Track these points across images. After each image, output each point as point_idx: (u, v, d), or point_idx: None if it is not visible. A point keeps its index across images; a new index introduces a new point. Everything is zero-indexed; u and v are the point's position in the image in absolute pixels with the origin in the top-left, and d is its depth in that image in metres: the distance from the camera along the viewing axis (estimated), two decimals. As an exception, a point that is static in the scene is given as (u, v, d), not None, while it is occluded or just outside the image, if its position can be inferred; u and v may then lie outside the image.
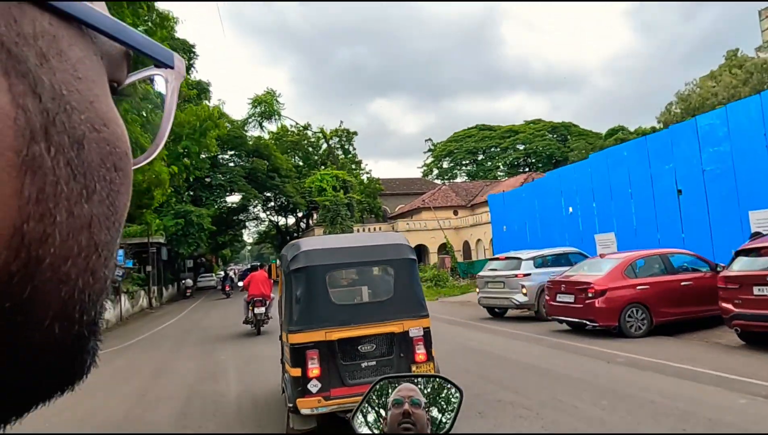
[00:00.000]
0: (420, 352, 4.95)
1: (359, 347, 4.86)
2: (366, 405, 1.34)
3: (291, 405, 4.74)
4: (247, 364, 9.45)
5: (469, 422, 5.22)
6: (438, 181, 60.79)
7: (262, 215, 53.38)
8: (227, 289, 31.14)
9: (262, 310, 12.94)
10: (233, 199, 46.02)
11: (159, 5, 16.93)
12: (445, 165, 70.36)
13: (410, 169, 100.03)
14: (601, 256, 10.18)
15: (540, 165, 60.70)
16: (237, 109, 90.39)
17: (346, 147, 49.89)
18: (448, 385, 1.36)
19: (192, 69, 33.50)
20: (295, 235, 51.95)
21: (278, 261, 7.26)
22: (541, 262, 12.44)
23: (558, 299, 9.85)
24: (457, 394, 1.34)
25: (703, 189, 15.29)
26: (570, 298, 9.47)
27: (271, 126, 47.83)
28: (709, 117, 15.57)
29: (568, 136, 63.49)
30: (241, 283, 22.33)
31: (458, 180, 62.22)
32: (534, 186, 25.21)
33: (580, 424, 4.98)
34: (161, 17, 16.40)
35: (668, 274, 9.48)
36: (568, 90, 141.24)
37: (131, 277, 24.15)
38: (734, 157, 13.99)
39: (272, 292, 13.02)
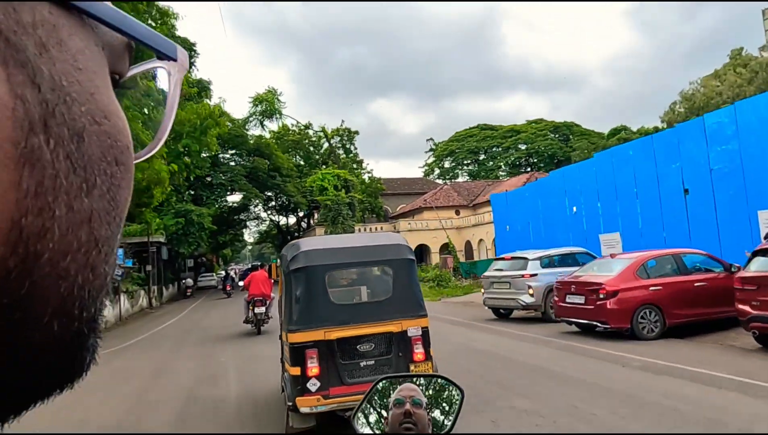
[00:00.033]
0: (418, 351, 4.99)
1: (358, 346, 4.91)
2: (367, 405, 1.34)
3: (290, 403, 4.78)
4: (247, 364, 9.28)
5: (483, 431, 5.02)
6: (439, 181, 60.57)
7: (263, 215, 53.28)
8: (228, 288, 31.10)
9: (263, 309, 12.95)
10: (234, 198, 45.88)
11: (159, 3, 16.75)
12: (447, 165, 70.20)
13: (411, 169, 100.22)
14: (612, 256, 9.92)
15: (542, 165, 60.49)
16: (238, 108, 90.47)
17: (348, 146, 49.70)
18: (450, 386, 1.35)
19: (193, 67, 33.30)
20: (296, 234, 51.74)
21: (278, 261, 7.16)
22: (548, 262, 12.19)
23: (567, 300, 9.60)
24: (459, 394, 1.33)
25: (711, 188, 15.08)
26: (580, 299, 9.22)
27: (272, 125, 47.68)
28: (717, 115, 15.35)
29: (570, 136, 63.28)
30: (241, 283, 22.17)
31: (460, 180, 62.01)
32: (537, 185, 25.02)
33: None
34: (161, 12, 16.18)
35: (681, 274, 9.24)
36: (569, 90, 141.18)
37: (131, 277, 23.97)
38: (743, 156, 13.76)
39: (272, 292, 13.07)
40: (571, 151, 56.94)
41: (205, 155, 31.59)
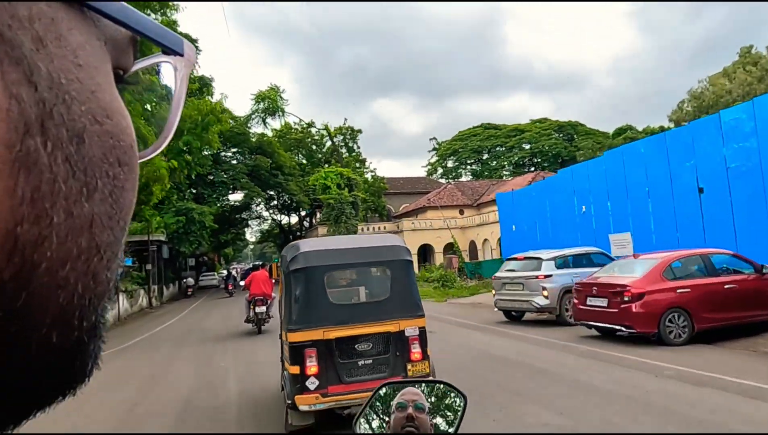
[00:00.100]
0: (416, 350, 5.07)
1: (356, 346, 5.00)
2: (369, 410, 1.32)
3: (290, 401, 4.88)
4: (248, 366, 8.95)
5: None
6: (442, 181, 60.13)
7: (265, 214, 52.92)
8: (230, 287, 30.91)
9: (263, 309, 13.00)
10: (236, 197, 45.51)
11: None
12: (450, 164, 69.84)
13: (413, 168, 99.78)
14: (635, 256, 9.40)
15: (546, 164, 60.10)
16: (240, 108, 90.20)
17: (351, 145, 49.27)
18: (452, 391, 1.35)
19: (195, 64, 32.89)
20: (298, 233, 51.41)
21: (279, 261, 7.24)
22: (562, 263, 11.67)
23: (588, 303, 9.08)
24: (461, 400, 1.32)
25: (727, 187, 14.69)
26: (603, 302, 8.71)
27: (275, 123, 47.31)
28: (734, 111, 14.92)
29: (575, 136, 62.85)
30: (242, 283, 21.90)
31: (463, 179, 61.57)
32: (545, 184, 24.66)
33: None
34: (161, 3, 15.74)
35: (709, 276, 8.73)
36: (571, 90, 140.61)
37: (130, 276, 23.61)
38: (762, 154, 13.33)
39: (273, 292, 13.08)
40: (576, 150, 56.53)
41: (206, 153, 31.25)
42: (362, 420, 1.32)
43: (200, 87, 30.58)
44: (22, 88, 0.22)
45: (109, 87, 0.27)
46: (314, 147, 50.03)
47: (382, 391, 1.36)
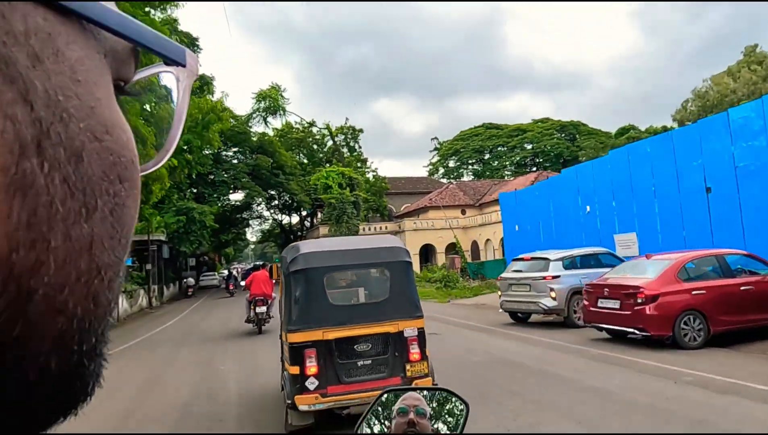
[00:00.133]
0: (414, 351, 5.10)
1: (355, 346, 5.04)
2: (371, 416, 1.32)
3: (289, 401, 4.91)
4: (248, 371, 8.73)
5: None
6: (444, 181, 59.87)
7: (266, 213, 52.65)
8: (231, 287, 30.78)
9: (264, 309, 13.04)
10: (236, 196, 45.28)
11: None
12: (452, 164, 69.57)
13: (414, 168, 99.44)
14: (647, 256, 9.13)
15: (547, 164, 59.84)
16: (241, 107, 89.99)
17: (352, 145, 48.99)
18: (454, 399, 1.35)
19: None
20: (299, 233, 51.19)
21: (280, 261, 7.27)
22: (570, 263, 11.41)
23: (599, 305, 8.82)
24: (463, 408, 1.32)
25: (736, 186, 14.51)
26: (615, 304, 8.45)
27: (276, 122, 46.99)
28: (743, 110, 14.70)
29: (577, 136, 62.58)
30: (243, 283, 21.78)
31: (464, 179, 61.32)
32: (549, 184, 24.47)
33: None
34: (161, 1, 15.50)
35: (725, 277, 8.46)
36: (573, 90, 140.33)
37: (130, 276, 23.41)
38: (772, 152, 13.12)
39: (274, 292, 13.08)
40: (578, 150, 56.28)
41: (207, 152, 31.04)
42: (364, 425, 1.33)
43: (201, 85, 30.36)
44: (17, 108, 0.21)
45: (109, 101, 0.27)
46: (315, 146, 49.77)
47: (384, 397, 1.36)
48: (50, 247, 0.22)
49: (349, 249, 5.57)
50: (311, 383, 4.84)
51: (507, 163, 65.44)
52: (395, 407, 1.29)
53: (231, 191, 42.50)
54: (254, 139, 42.29)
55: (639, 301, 7.96)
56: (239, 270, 46.42)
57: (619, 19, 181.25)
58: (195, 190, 37.18)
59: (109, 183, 0.25)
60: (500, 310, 12.99)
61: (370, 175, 45.74)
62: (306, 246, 5.50)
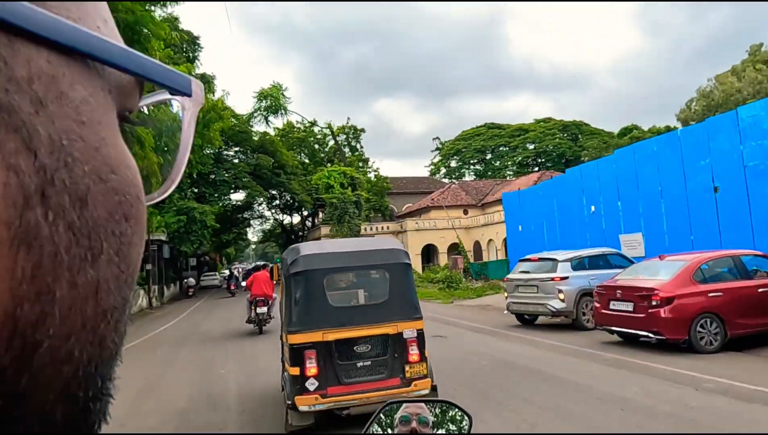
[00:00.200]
0: (413, 352, 5.14)
1: (355, 348, 5.07)
2: (375, 426, 1.33)
3: (290, 402, 4.96)
4: (249, 373, 8.53)
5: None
6: (445, 181, 59.61)
7: (267, 213, 52.44)
8: (232, 287, 30.60)
9: (264, 309, 13.09)
10: (238, 196, 45.05)
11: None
12: (453, 164, 69.32)
13: (416, 168, 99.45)
14: (661, 257, 8.87)
15: (549, 164, 59.58)
16: (242, 107, 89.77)
17: (354, 144, 48.76)
18: (457, 411, 1.35)
19: (196, 61, 32.49)
20: (301, 233, 50.98)
21: (280, 262, 7.29)
22: (578, 264, 11.14)
23: (611, 307, 8.55)
24: (466, 420, 1.32)
25: (745, 186, 14.30)
26: (628, 307, 8.18)
27: (277, 121, 46.75)
28: (752, 108, 14.48)
29: (579, 136, 62.30)
30: (244, 283, 21.71)
31: (466, 179, 61.07)
32: (553, 184, 24.30)
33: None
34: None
35: (742, 278, 8.20)
36: (574, 91, 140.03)
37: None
38: (782, 152, 12.92)
39: (274, 292, 13.12)
40: (581, 150, 56.02)
41: (208, 151, 30.81)
42: None
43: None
44: (20, 158, 0.21)
45: (114, 139, 0.26)
46: (317, 146, 49.52)
47: (388, 408, 1.37)
48: (55, 298, 0.22)
49: (349, 251, 5.62)
50: (311, 384, 4.88)
51: (509, 163, 65.17)
52: (397, 415, 1.30)
53: (232, 191, 42.26)
54: (255, 138, 42.02)
55: (653, 303, 7.70)
56: (240, 270, 46.22)
57: (620, 19, 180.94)
58: (196, 190, 36.95)
59: (115, 223, 0.25)
60: (505, 312, 12.74)
61: (371, 175, 45.48)
62: (306, 248, 5.55)
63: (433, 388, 5.32)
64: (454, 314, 15.17)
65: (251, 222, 53.49)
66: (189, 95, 0.31)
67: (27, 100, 0.21)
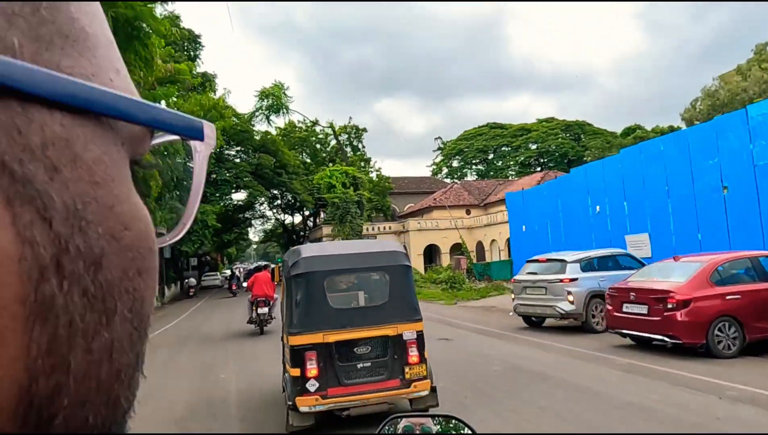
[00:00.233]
0: (413, 354, 5.17)
1: (355, 349, 5.11)
2: None
3: (290, 403, 5.01)
4: (251, 378, 8.34)
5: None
6: (447, 181, 59.39)
7: (269, 213, 52.26)
8: (233, 287, 30.45)
9: (265, 310, 13.13)
10: (239, 196, 44.86)
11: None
12: (455, 164, 69.12)
13: (417, 168, 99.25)
14: (675, 258, 8.61)
15: (552, 164, 59.36)
16: (243, 107, 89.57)
17: (355, 144, 48.53)
18: (461, 426, 1.32)
19: (197, 59, 32.30)
20: (302, 233, 50.78)
21: (282, 262, 7.37)
22: (588, 265, 10.88)
23: (625, 310, 8.28)
24: (469, 431, 1.29)
25: (755, 186, 14.09)
26: (642, 309, 7.91)
27: (279, 120, 46.55)
28: (762, 106, 14.26)
29: (582, 136, 62.04)
30: (246, 284, 21.60)
31: (468, 179, 60.85)
32: (557, 183, 24.10)
33: None
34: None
35: (760, 280, 7.93)
36: (575, 91, 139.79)
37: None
38: (793, 151, 12.70)
39: (275, 293, 13.12)
40: (584, 150, 55.77)
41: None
42: None
43: (202, 82, 29.95)
44: (35, 229, 0.20)
45: (127, 193, 0.25)
46: (318, 146, 49.31)
47: (392, 422, 1.35)
48: (70, 368, 0.21)
49: (350, 253, 5.66)
50: (312, 385, 4.92)
51: (511, 163, 64.95)
52: (401, 425, 1.31)
53: (233, 190, 42.06)
54: (257, 137, 41.81)
55: (669, 306, 7.42)
56: (242, 270, 46.04)
57: (621, 19, 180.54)
58: (197, 190, 36.69)
59: (129, 280, 0.25)
60: (511, 314, 12.50)
61: (373, 175, 45.25)
62: (307, 250, 5.59)
63: (433, 390, 5.32)
64: (458, 316, 14.93)
65: (252, 222, 53.39)
66: (201, 139, 0.30)
67: (41, 169, 0.21)
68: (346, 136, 47.69)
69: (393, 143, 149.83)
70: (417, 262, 34.07)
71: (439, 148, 71.19)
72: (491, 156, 67.53)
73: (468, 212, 39.23)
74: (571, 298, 10.24)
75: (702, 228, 15.48)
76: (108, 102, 0.24)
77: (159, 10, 18.84)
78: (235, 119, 36.23)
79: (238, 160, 41.19)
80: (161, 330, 16.59)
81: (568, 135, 63.12)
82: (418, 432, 1.28)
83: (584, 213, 20.68)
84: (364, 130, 48.60)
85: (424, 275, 29.95)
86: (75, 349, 0.21)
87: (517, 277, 11.85)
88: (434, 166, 70.40)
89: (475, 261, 31.42)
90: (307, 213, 50.80)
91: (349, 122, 47.94)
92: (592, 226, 20.12)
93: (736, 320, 7.44)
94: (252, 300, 13.34)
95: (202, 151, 0.31)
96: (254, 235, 64.69)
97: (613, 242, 17.88)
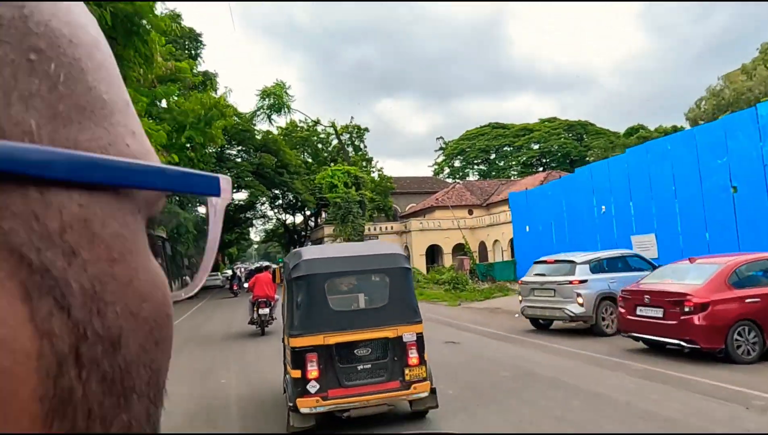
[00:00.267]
0: (413, 356, 5.22)
1: (355, 351, 5.15)
2: None
3: (291, 404, 5.05)
4: (251, 379, 8.20)
5: None
6: (449, 180, 59.17)
7: (270, 213, 52.10)
8: (234, 288, 30.28)
9: (267, 311, 13.17)
10: (240, 195, 44.65)
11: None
12: (457, 164, 68.95)
13: (418, 168, 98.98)
14: (690, 260, 8.34)
15: (554, 164, 59.14)
16: (245, 106, 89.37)
17: (357, 144, 48.31)
18: None
19: (198, 58, 32.10)
20: (303, 233, 50.60)
21: (283, 262, 7.32)
22: (597, 267, 10.61)
23: (638, 313, 8.02)
24: None
25: (765, 186, 13.88)
26: (657, 313, 7.65)
27: (280, 120, 46.35)
28: (773, 104, 14.02)
29: (584, 135, 61.84)
30: (246, 284, 21.44)
31: (470, 179, 60.65)
32: (561, 183, 23.90)
33: None
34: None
35: (779, 282, 7.64)
36: (577, 91, 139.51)
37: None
38: (804, 150, 12.49)
39: (276, 294, 13.14)
40: (586, 150, 55.55)
41: (210, 150, 30.40)
42: None
43: (203, 81, 29.75)
44: (54, 321, 0.20)
45: (145, 264, 0.25)
46: (320, 145, 49.12)
47: None
48: None
49: (350, 256, 5.74)
50: (312, 387, 4.96)
51: (513, 163, 64.76)
52: None
53: (234, 190, 41.66)
54: (258, 137, 41.63)
55: (686, 309, 7.16)
56: (243, 270, 45.84)
57: (623, 19, 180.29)
58: (198, 189, 36.51)
59: (146, 354, 0.24)
60: (516, 315, 12.25)
61: (375, 175, 45.04)
62: (308, 253, 5.64)
63: (432, 391, 5.34)
64: (463, 317, 14.67)
65: (254, 222, 53.25)
66: (218, 195, 0.29)
67: (60, 255, 0.20)
68: (348, 135, 47.49)
69: (394, 143, 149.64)
70: (419, 263, 33.84)
71: (441, 148, 71.02)
72: (493, 156, 67.34)
73: (470, 212, 38.99)
74: (580, 300, 9.97)
75: (710, 228, 15.29)
76: (126, 173, 0.23)
77: (160, 9, 18.62)
78: (236, 118, 36.03)
79: (239, 160, 41.01)
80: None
81: (570, 135, 62.91)
82: None
83: (589, 213, 20.51)
84: (366, 129, 48.45)
85: (426, 276, 29.70)
86: None
87: (524, 279, 11.60)
88: (436, 166, 70.26)
89: (477, 261, 31.18)
90: (308, 213, 50.63)
91: (351, 122, 47.75)
92: (598, 227, 19.95)
93: (756, 324, 7.17)
94: (253, 301, 13.34)
95: (218, 205, 0.29)
96: (255, 235, 64.65)
97: (619, 242, 17.69)
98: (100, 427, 0.21)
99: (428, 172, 67.50)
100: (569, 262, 10.60)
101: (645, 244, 17.59)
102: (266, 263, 24.97)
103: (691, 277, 7.69)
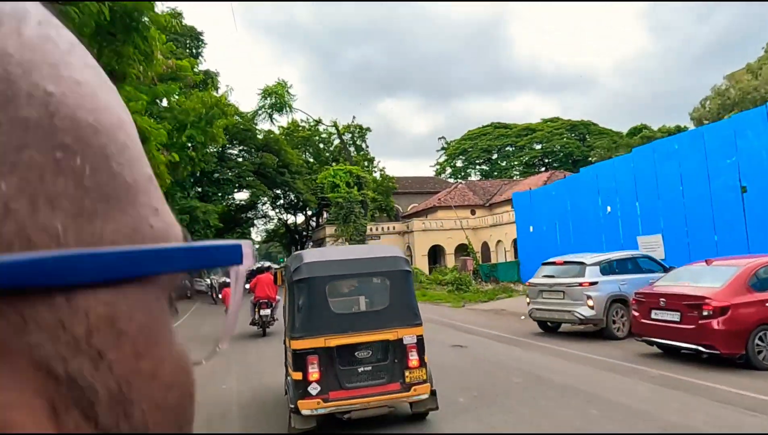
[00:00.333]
0: (413, 358, 5.26)
1: (356, 353, 5.19)
2: None
3: (292, 406, 5.10)
4: (252, 379, 8.01)
5: None
6: (451, 180, 58.94)
7: (271, 213, 51.91)
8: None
9: (268, 311, 13.21)
10: (241, 195, 44.53)
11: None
12: (459, 164, 68.74)
13: (420, 168, 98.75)
14: (707, 262, 8.07)
15: (557, 164, 58.91)
16: (246, 106, 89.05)
17: (359, 143, 48.07)
18: None
19: (200, 57, 31.90)
20: (305, 233, 50.40)
21: (285, 261, 6.79)
22: (608, 268, 10.33)
23: (653, 316, 7.74)
24: None
25: (775, 186, 13.59)
26: (674, 317, 7.38)
27: (282, 119, 46.08)
28: (784, 102, 13.73)
29: (587, 136, 61.60)
30: (248, 285, 21.06)
31: (472, 179, 60.44)
32: (566, 183, 23.67)
33: None
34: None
35: (801, 285, 7.37)
36: (578, 91, 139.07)
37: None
38: (816, 149, 12.26)
39: (278, 295, 13.18)
40: (589, 150, 55.31)
41: (211, 150, 30.21)
42: None
43: (204, 79, 29.55)
44: (81, 432, 0.19)
45: (169, 350, 0.24)
46: (322, 145, 48.93)
47: None
48: None
49: (351, 258, 5.76)
50: (313, 389, 5.00)
51: (515, 163, 64.57)
52: None
53: (236, 190, 41.69)
54: (260, 136, 41.42)
55: (705, 313, 6.88)
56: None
57: (625, 19, 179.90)
58: (199, 189, 36.40)
59: (166, 418, 0.23)
60: (523, 317, 11.99)
61: (377, 175, 44.82)
62: (309, 255, 5.69)
63: (432, 393, 5.37)
64: (467, 320, 14.41)
65: (255, 222, 53.07)
66: (240, 263, 0.28)
67: (86, 361, 0.20)
68: (350, 135, 47.26)
69: (396, 143, 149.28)
70: (422, 263, 33.61)
71: (443, 148, 70.79)
72: (495, 156, 67.12)
73: (473, 212, 38.77)
74: (591, 302, 9.69)
75: (718, 229, 15.05)
76: (151, 261, 0.22)
77: (160, 8, 18.41)
78: (237, 118, 35.84)
79: (240, 159, 40.80)
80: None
81: (573, 135, 62.69)
82: None
83: (594, 213, 20.29)
84: (368, 129, 48.18)
85: (429, 276, 29.48)
86: None
87: (532, 280, 11.33)
88: (438, 166, 70.06)
89: (480, 262, 30.96)
90: (310, 213, 50.44)
91: (353, 121, 47.51)
92: (603, 227, 19.72)
93: (777, 328, 6.90)
94: (255, 302, 13.32)
95: (240, 272, 0.29)
96: (256, 235, 64.38)
97: (625, 244, 17.47)
98: None
99: (430, 172, 67.35)
100: (579, 264, 10.33)
101: (651, 245, 17.34)
102: (267, 263, 24.61)
103: (708, 279, 7.41)
